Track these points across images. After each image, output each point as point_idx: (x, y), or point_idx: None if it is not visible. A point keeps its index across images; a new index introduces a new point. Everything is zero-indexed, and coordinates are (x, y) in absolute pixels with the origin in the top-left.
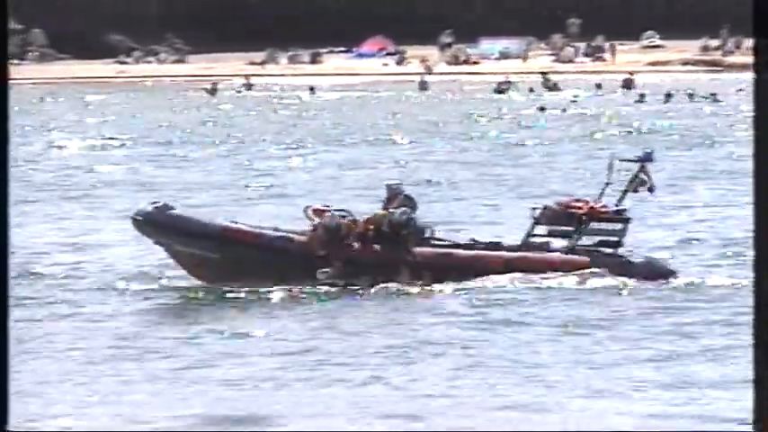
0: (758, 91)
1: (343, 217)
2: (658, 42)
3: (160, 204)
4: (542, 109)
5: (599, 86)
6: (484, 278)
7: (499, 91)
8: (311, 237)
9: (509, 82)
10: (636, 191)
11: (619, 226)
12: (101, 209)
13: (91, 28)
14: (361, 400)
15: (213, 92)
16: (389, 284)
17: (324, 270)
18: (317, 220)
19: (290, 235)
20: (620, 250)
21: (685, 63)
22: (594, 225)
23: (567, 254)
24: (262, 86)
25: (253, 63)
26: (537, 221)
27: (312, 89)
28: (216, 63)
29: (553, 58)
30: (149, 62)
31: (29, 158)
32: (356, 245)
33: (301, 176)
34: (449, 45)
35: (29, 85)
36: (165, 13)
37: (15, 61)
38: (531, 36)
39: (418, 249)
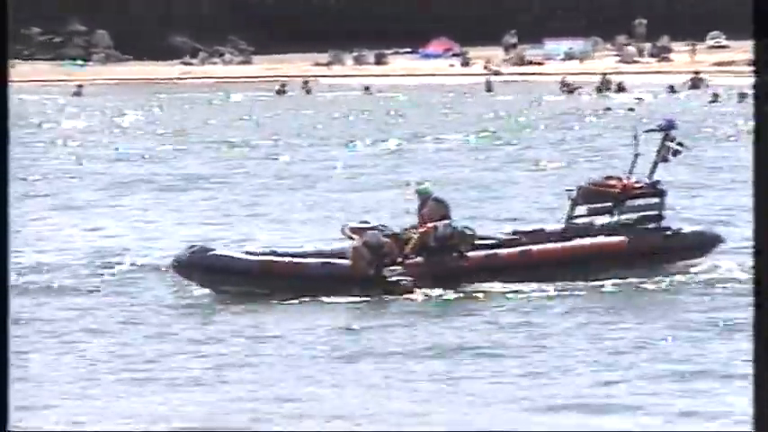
0: (758, 91)
1: (382, 232)
2: (724, 43)
3: (197, 247)
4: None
5: (672, 88)
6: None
7: (569, 91)
8: (354, 258)
9: (570, 83)
10: (666, 160)
11: (655, 200)
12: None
13: (154, 29)
14: None
15: (282, 92)
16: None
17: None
18: (356, 237)
19: (332, 260)
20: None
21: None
22: (631, 202)
23: (608, 234)
24: (332, 87)
25: (318, 64)
26: (575, 203)
27: (367, 88)
28: (281, 64)
29: (618, 58)
30: (214, 63)
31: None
32: (404, 260)
33: None
34: (513, 46)
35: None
36: (229, 14)
37: (80, 62)
38: (597, 37)
39: (470, 254)
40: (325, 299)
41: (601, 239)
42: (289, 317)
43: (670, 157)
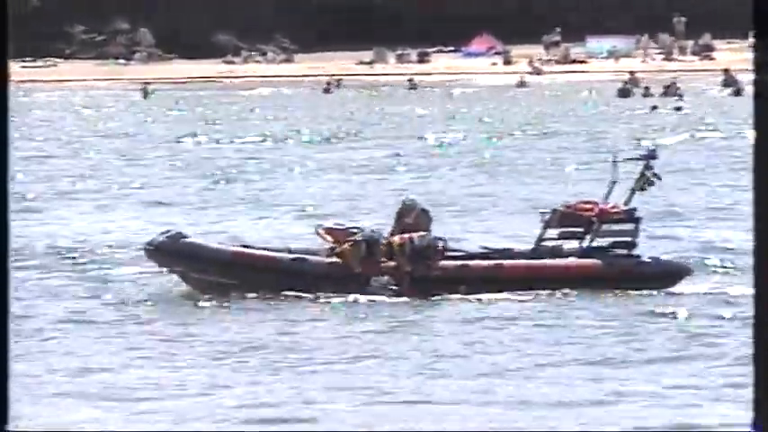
0: (758, 91)
1: (354, 233)
2: None
3: (172, 233)
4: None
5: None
6: None
7: (623, 94)
8: (347, 254)
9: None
10: (643, 189)
11: (630, 226)
12: None
13: (198, 27)
14: None
15: (327, 91)
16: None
17: (377, 280)
18: (329, 238)
19: (304, 256)
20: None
21: None
22: (606, 227)
23: (580, 257)
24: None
25: (361, 62)
26: (547, 225)
27: (413, 84)
28: (324, 63)
29: (661, 57)
30: (258, 62)
31: None
32: (388, 262)
33: None
34: (555, 44)
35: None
36: (272, 12)
37: (122, 61)
38: (639, 35)
39: (442, 263)
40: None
41: (573, 260)
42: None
43: (646, 186)
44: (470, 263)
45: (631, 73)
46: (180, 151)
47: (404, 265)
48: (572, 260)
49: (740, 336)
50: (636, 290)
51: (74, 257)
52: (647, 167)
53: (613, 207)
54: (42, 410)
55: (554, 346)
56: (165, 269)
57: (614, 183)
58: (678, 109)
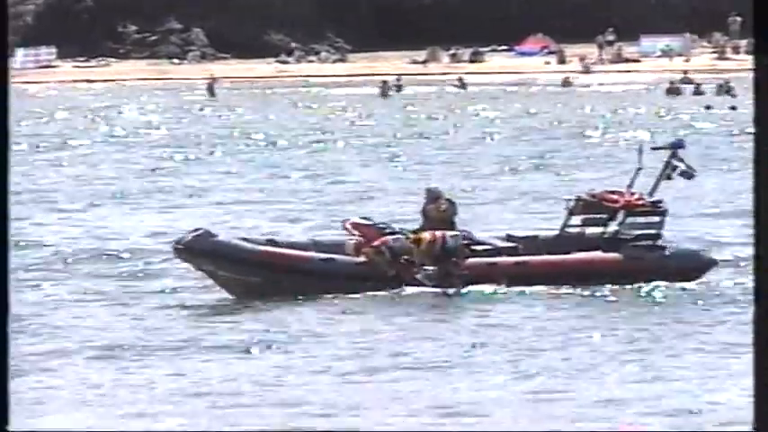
0: (758, 90)
1: (382, 229)
2: None
3: (201, 231)
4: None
5: None
6: None
7: (674, 91)
8: (372, 259)
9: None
10: (669, 178)
11: (656, 218)
12: None
13: (250, 27)
14: None
15: (384, 95)
16: None
17: (426, 270)
18: (356, 233)
19: (333, 256)
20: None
21: None
22: (632, 219)
23: (605, 250)
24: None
25: (415, 62)
26: (571, 212)
27: (464, 84)
28: (377, 62)
29: (715, 56)
30: (311, 61)
31: None
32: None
33: None
34: (609, 43)
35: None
36: (325, 11)
37: (176, 61)
38: (693, 34)
39: (470, 261)
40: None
41: (598, 254)
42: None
43: (675, 175)
44: (497, 260)
45: (684, 72)
46: None
47: (431, 264)
48: (597, 254)
49: None
50: (663, 281)
51: None
52: (674, 156)
53: (639, 198)
54: None
55: None
56: (194, 267)
57: (639, 170)
58: (733, 108)
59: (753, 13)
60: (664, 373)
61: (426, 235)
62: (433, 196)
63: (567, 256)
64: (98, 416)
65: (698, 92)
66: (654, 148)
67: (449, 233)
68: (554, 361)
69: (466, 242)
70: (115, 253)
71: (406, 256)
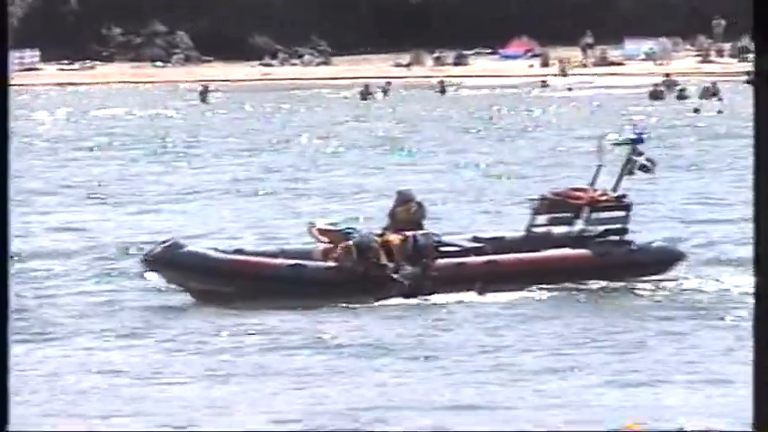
0: (758, 91)
1: (348, 234)
2: None
3: (170, 243)
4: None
5: None
6: None
7: (655, 96)
8: (341, 258)
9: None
10: (631, 173)
11: (621, 213)
12: None
13: (234, 30)
14: None
15: (365, 96)
16: None
17: (405, 270)
18: (323, 239)
19: (303, 262)
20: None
21: None
22: (596, 214)
23: (573, 247)
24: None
25: (399, 65)
26: (536, 212)
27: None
28: (360, 66)
29: (699, 59)
30: (294, 64)
31: None
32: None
33: None
34: (590, 46)
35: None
36: (309, 15)
37: (160, 63)
38: (677, 37)
39: (438, 263)
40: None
41: (566, 251)
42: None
43: (636, 171)
44: (466, 260)
45: (666, 75)
46: None
47: (402, 264)
48: (566, 251)
49: None
50: (630, 277)
51: None
52: (635, 152)
53: (603, 194)
54: None
55: None
56: (165, 280)
57: (600, 167)
58: (719, 112)
59: (753, 12)
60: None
61: (393, 237)
62: (403, 199)
63: (536, 254)
64: None
65: (682, 96)
66: (613, 144)
67: (419, 232)
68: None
69: (434, 243)
70: None
71: (373, 257)
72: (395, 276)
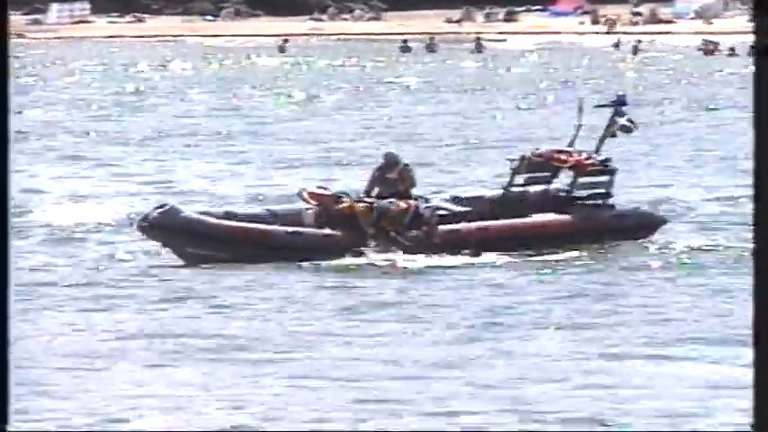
0: (758, 87)
1: (340, 197)
2: None
3: (167, 208)
4: None
5: None
6: None
7: (708, 52)
8: (360, 211)
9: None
10: (614, 135)
11: (606, 177)
12: None
13: None
14: None
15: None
16: None
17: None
18: (312, 202)
19: (299, 229)
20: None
21: None
22: (582, 179)
23: (558, 212)
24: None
25: (449, 21)
26: (516, 171)
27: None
28: (411, 21)
29: (748, 18)
30: (345, 19)
31: None
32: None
33: None
34: (640, 3)
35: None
36: None
37: (209, 18)
38: None
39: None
40: None
41: (553, 216)
42: None
43: (618, 133)
44: (460, 227)
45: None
46: None
47: (403, 231)
48: (552, 216)
49: None
50: (613, 241)
51: None
52: (618, 113)
53: (588, 158)
54: None
55: None
56: (159, 244)
57: (579, 126)
58: None
59: (753, 4)
60: None
61: (401, 204)
62: (391, 162)
63: (525, 220)
64: None
65: (732, 53)
66: (597, 106)
67: (420, 202)
68: None
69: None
70: None
71: (386, 223)
72: (398, 239)
